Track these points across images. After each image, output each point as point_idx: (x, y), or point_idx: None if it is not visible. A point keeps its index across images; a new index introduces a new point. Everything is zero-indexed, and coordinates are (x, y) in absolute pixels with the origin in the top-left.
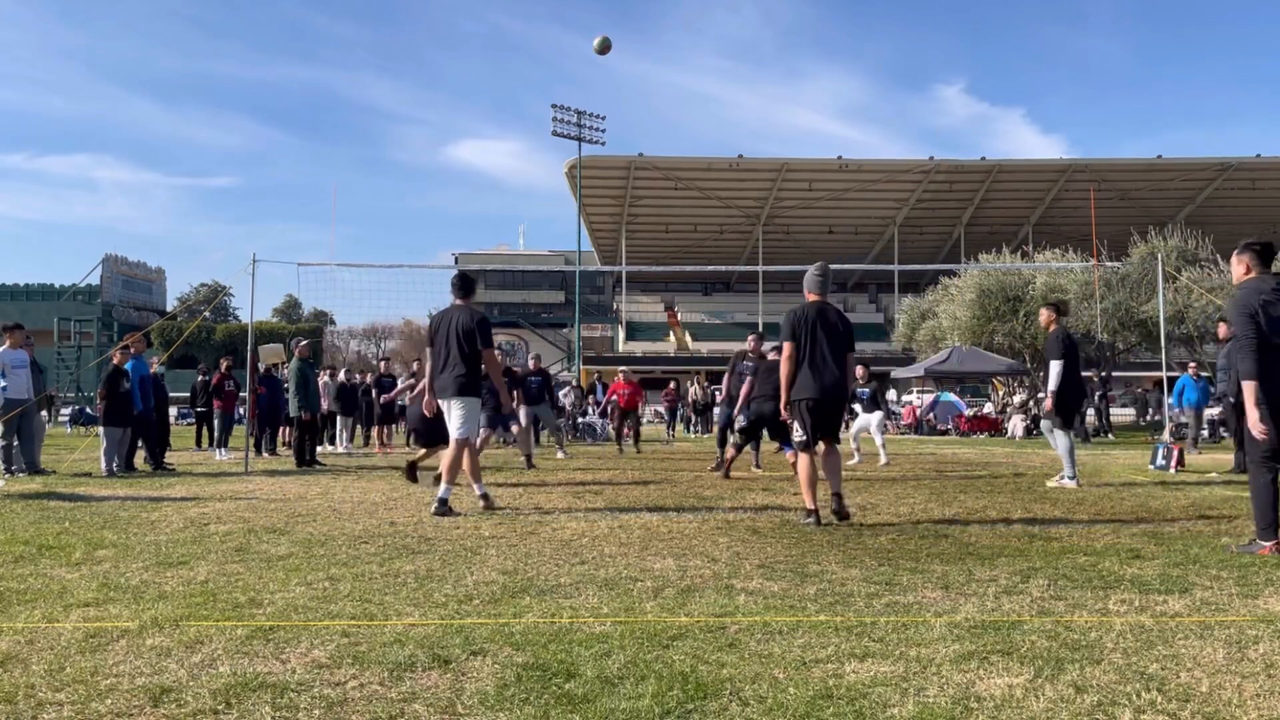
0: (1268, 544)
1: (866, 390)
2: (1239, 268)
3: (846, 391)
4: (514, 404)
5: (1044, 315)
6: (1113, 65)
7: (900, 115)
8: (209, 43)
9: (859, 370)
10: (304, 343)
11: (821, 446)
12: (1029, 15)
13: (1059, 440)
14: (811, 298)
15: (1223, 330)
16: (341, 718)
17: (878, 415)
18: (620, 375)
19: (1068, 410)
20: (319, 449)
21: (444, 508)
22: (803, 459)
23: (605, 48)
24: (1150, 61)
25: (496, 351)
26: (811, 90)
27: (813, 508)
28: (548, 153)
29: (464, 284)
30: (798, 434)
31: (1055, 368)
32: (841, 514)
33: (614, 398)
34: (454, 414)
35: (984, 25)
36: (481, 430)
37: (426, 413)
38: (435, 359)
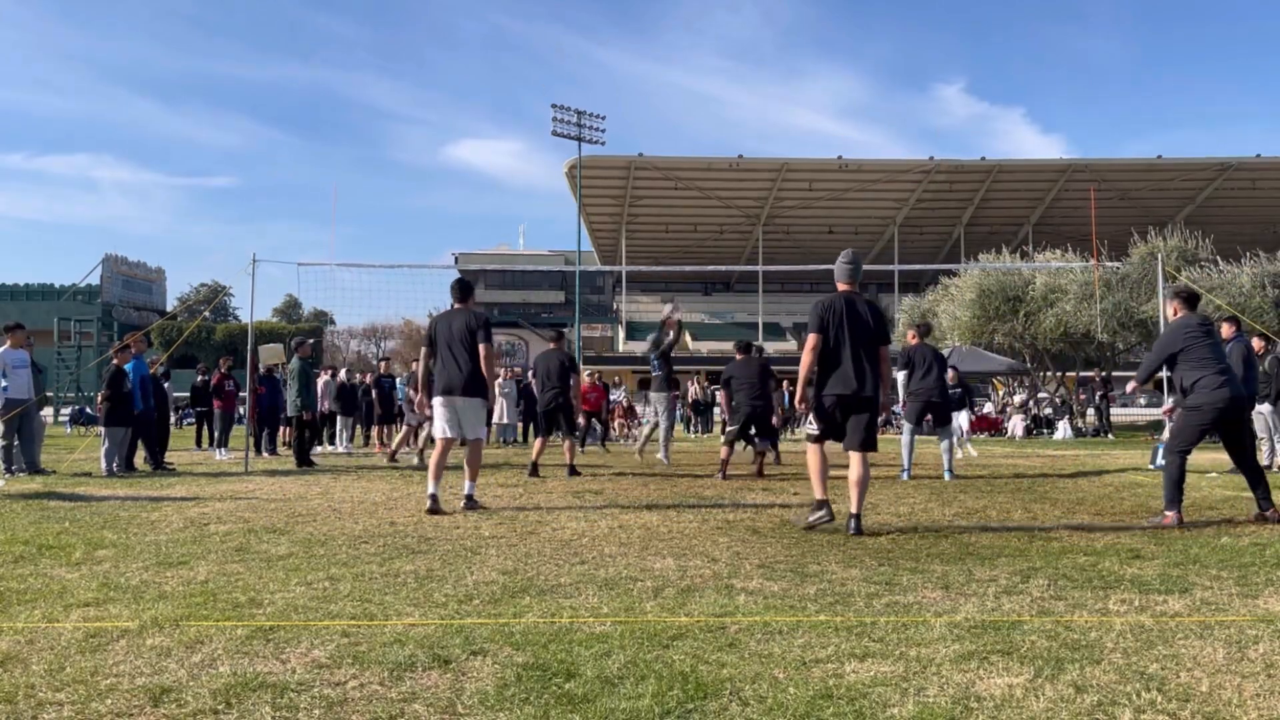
0: (1170, 514)
1: (957, 391)
2: (1169, 309)
3: (877, 391)
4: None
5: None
6: (1113, 65)
7: (900, 115)
8: (208, 42)
9: (949, 373)
10: (308, 342)
11: (854, 457)
12: (1029, 15)
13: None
14: (842, 287)
15: (1225, 330)
16: (341, 718)
17: (964, 415)
18: (585, 376)
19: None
20: (317, 448)
21: (471, 503)
22: (812, 449)
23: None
24: (1150, 61)
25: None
26: (811, 90)
27: (823, 498)
28: (548, 153)
29: (463, 288)
30: (811, 426)
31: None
32: (857, 532)
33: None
34: (467, 413)
35: (984, 25)
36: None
37: (418, 411)
38: (436, 361)
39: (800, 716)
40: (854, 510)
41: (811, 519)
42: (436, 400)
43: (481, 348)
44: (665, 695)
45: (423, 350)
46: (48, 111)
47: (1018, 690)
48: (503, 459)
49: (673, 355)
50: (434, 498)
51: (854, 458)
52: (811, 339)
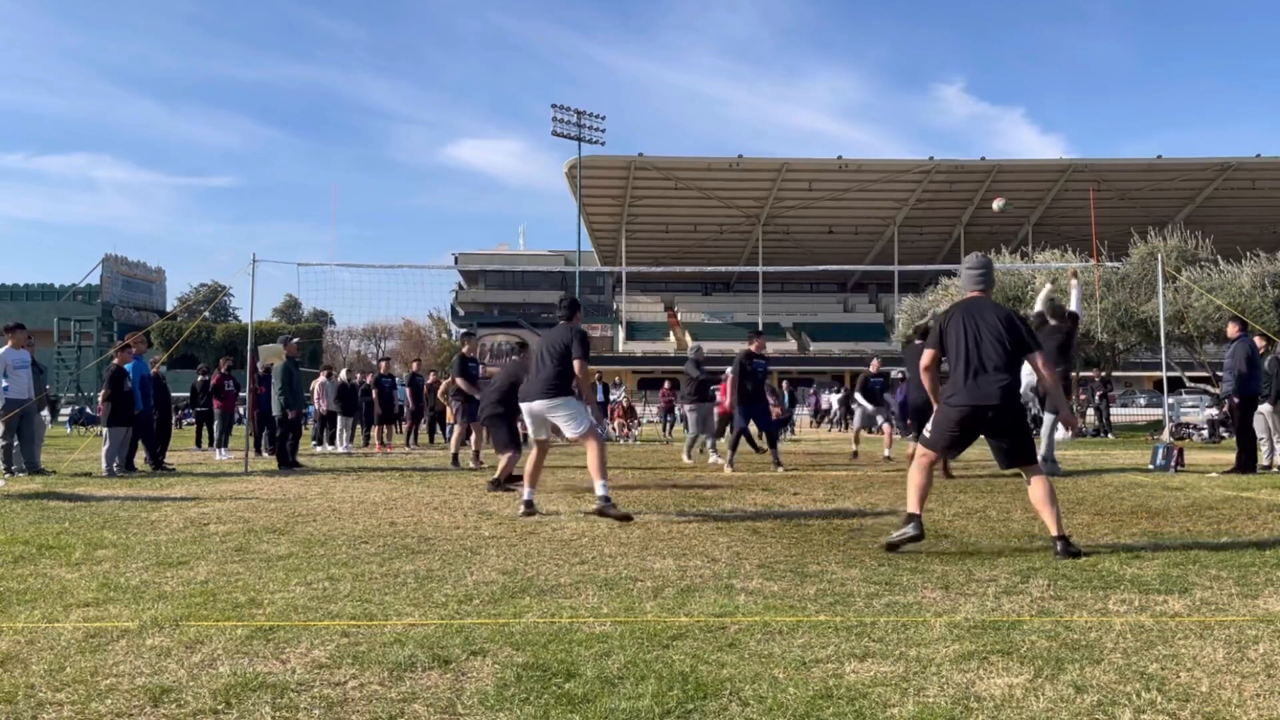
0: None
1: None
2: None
3: (1016, 400)
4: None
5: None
6: (1113, 65)
7: (900, 115)
8: (208, 42)
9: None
10: (293, 341)
11: (1028, 477)
12: (1029, 15)
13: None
14: (971, 294)
15: (1231, 330)
16: (341, 718)
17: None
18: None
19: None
20: (318, 449)
21: (606, 504)
22: (922, 458)
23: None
24: (1150, 61)
25: (499, 360)
26: (811, 90)
27: (916, 512)
28: (548, 153)
29: (571, 307)
30: (929, 429)
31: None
32: (1071, 553)
33: None
34: (551, 415)
35: (984, 25)
36: (470, 424)
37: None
38: (531, 368)
39: (800, 716)
40: (1056, 531)
41: (896, 536)
42: (523, 407)
43: (576, 363)
44: (665, 695)
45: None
46: (46, 111)
47: (1018, 690)
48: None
49: (663, 356)
50: (528, 504)
51: (1027, 476)
52: (928, 355)
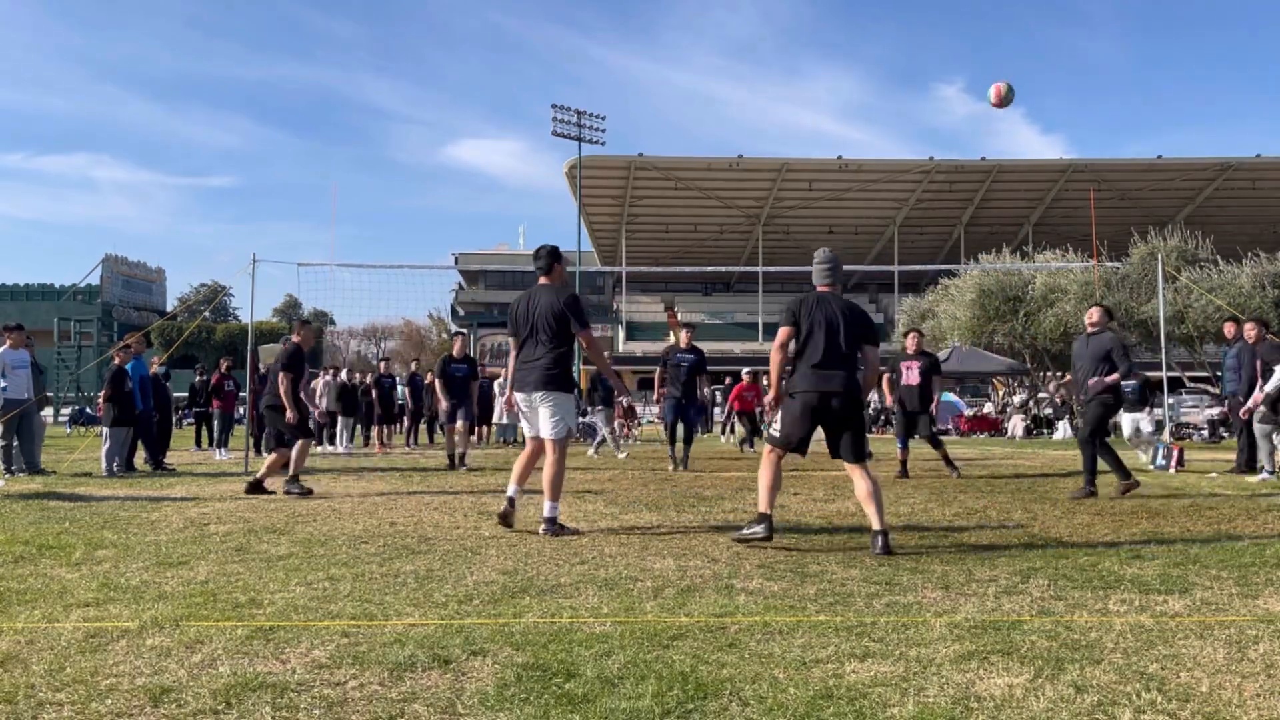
0: (1089, 487)
1: (1133, 385)
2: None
3: (858, 393)
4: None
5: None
6: (1113, 65)
7: (900, 115)
8: (207, 42)
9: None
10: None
11: (853, 474)
12: (1029, 15)
13: None
14: (821, 289)
15: (1229, 330)
16: (341, 718)
17: (1143, 414)
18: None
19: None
20: (318, 449)
21: (552, 526)
22: (770, 454)
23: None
24: (1150, 61)
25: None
26: (811, 90)
27: (767, 512)
28: (548, 153)
29: (551, 256)
30: (775, 427)
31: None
32: (888, 549)
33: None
34: (547, 409)
35: (984, 25)
36: (447, 425)
37: (506, 409)
38: (518, 348)
39: (800, 716)
40: (877, 525)
41: (747, 533)
42: (517, 397)
43: (582, 337)
44: (665, 695)
45: (511, 340)
46: (46, 111)
47: (1018, 690)
48: (503, 459)
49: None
50: (510, 501)
51: (855, 471)
52: (782, 333)
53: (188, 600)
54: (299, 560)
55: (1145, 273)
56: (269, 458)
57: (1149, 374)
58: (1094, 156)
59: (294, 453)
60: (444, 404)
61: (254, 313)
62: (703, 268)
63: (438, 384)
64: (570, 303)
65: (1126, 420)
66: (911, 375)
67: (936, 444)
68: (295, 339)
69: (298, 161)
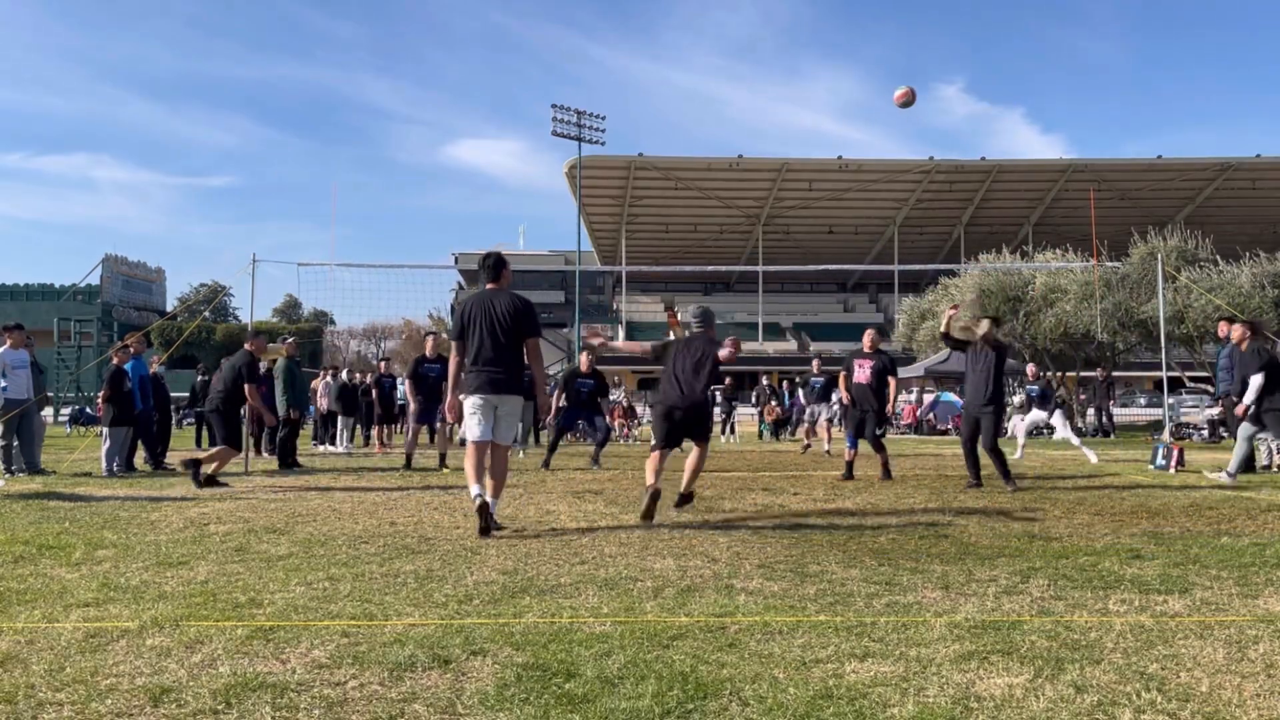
0: (1011, 487)
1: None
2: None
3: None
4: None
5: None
6: (1113, 65)
7: (900, 115)
8: (207, 42)
9: (1030, 368)
10: (290, 340)
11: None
12: (1029, 15)
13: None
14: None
15: (1223, 329)
16: (341, 718)
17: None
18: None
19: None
20: (318, 449)
21: (489, 519)
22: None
23: (908, 101)
24: (1150, 61)
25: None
26: (811, 90)
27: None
28: (548, 153)
29: (498, 264)
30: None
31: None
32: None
33: None
34: (505, 413)
35: (984, 25)
36: (412, 425)
37: (449, 416)
38: (469, 352)
39: (800, 716)
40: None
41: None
42: (474, 399)
43: (529, 344)
44: (665, 695)
45: (454, 344)
46: (46, 111)
47: (1018, 690)
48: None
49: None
50: (478, 497)
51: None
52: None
53: (188, 600)
54: (299, 560)
55: (1145, 273)
56: (212, 450)
57: (1150, 374)
58: (1094, 156)
59: (219, 453)
60: (413, 405)
61: (254, 313)
62: (703, 268)
63: (409, 384)
64: (530, 308)
65: (1058, 421)
66: (864, 373)
67: (879, 447)
68: (249, 347)
69: (298, 161)
